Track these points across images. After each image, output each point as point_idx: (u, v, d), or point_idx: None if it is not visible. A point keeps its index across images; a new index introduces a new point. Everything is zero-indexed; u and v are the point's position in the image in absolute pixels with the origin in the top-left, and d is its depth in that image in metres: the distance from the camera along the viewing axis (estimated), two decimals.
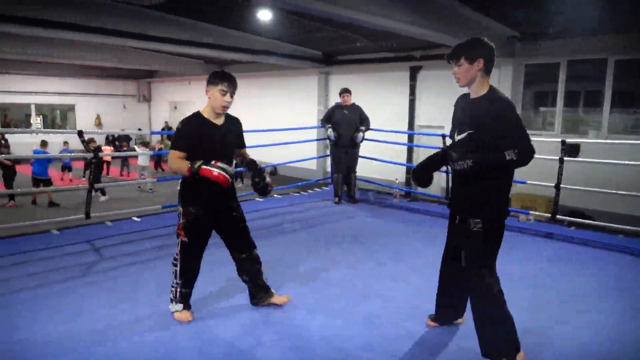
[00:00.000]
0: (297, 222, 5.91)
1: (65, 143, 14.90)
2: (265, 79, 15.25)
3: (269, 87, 15.33)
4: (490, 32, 8.96)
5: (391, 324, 3.27)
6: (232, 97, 3.23)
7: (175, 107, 21.82)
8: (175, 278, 3.17)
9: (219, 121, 3.22)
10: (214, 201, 3.10)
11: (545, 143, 6.58)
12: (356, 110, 7.09)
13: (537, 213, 6.18)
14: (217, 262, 3.71)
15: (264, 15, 8.95)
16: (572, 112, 9.77)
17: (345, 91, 7.13)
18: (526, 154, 2.54)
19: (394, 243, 5.18)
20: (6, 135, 16.86)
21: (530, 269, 4.41)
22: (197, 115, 3.19)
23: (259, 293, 3.41)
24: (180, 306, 3.21)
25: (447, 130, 8.76)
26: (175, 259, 3.17)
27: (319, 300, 3.61)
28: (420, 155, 11.93)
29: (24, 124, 20.90)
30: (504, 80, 10.12)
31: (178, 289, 3.19)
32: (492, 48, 2.76)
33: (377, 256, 4.69)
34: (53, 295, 3.52)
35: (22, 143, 17.20)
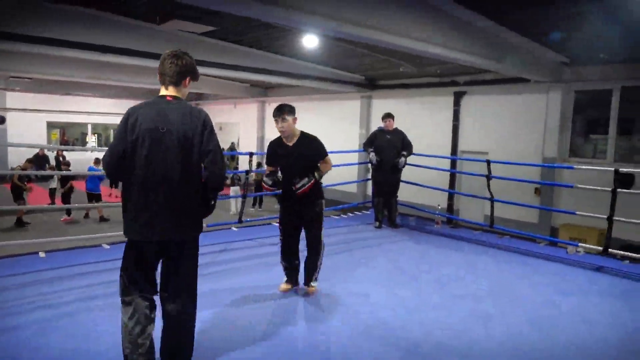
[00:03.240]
0: (337, 245, 5.91)
1: None
2: (308, 102, 15.52)
3: (312, 110, 15.58)
4: (538, 57, 8.81)
5: (433, 357, 3.20)
6: (282, 122, 3.92)
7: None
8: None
9: (290, 142, 4.00)
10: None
11: (596, 172, 6.33)
12: (399, 135, 7.09)
13: (586, 245, 5.91)
14: None
15: (310, 41, 9.18)
16: (626, 140, 9.37)
17: (388, 116, 7.16)
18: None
19: (435, 270, 5.08)
20: (64, 153, 17.87)
21: (580, 303, 4.22)
22: (276, 139, 4.11)
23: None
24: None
25: (491, 156, 8.63)
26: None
27: (359, 324, 3.59)
28: (462, 181, 11.74)
29: (80, 142, 22.12)
30: (552, 106, 9.88)
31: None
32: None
33: (417, 283, 4.61)
34: (106, 308, 3.67)
35: (78, 160, 18.17)
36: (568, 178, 9.23)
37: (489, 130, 11.33)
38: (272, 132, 17.87)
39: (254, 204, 14.31)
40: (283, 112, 3.89)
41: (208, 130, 2.59)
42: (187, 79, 2.67)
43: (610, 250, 5.35)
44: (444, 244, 6.28)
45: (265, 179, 4.06)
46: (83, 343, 3.13)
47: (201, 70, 9.34)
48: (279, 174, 4.05)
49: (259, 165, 14.50)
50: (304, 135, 4.03)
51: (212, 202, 2.78)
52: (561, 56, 9.07)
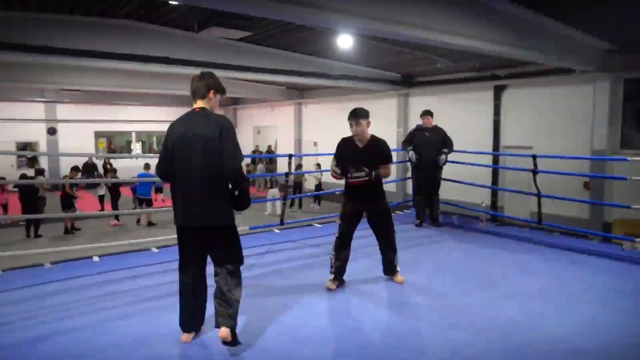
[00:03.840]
0: (377, 246, 5.85)
1: None
2: (344, 103, 15.50)
3: (348, 110, 15.53)
4: (582, 46, 8.45)
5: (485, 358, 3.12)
6: (356, 126, 4.23)
7: (259, 132, 22.82)
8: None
9: (361, 144, 4.27)
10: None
11: (637, 158, 6.00)
12: (438, 132, 6.97)
13: None
14: None
15: (345, 41, 9.17)
16: None
17: (426, 113, 7.05)
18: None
19: (482, 269, 4.96)
20: (111, 160, 18.60)
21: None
22: (348, 137, 4.36)
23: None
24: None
25: (535, 150, 8.33)
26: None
27: (405, 325, 3.55)
28: (506, 178, 11.41)
29: (125, 149, 22.97)
30: (600, 96, 9.46)
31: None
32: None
33: (464, 284, 4.51)
34: (156, 310, 3.79)
35: (123, 167, 18.89)
36: (619, 171, 8.81)
37: (533, 124, 10.97)
38: (309, 134, 18.04)
39: (291, 205, 14.43)
40: (358, 116, 4.21)
41: (225, 131, 3.02)
42: (211, 92, 3.19)
43: None
44: (489, 243, 6.11)
45: (335, 168, 4.33)
46: (139, 345, 3.24)
47: (238, 74, 9.58)
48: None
49: (298, 167, 14.62)
50: (373, 139, 4.32)
51: (237, 194, 3.14)
52: (608, 44, 8.66)
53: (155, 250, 5.49)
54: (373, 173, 4.18)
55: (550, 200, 6.55)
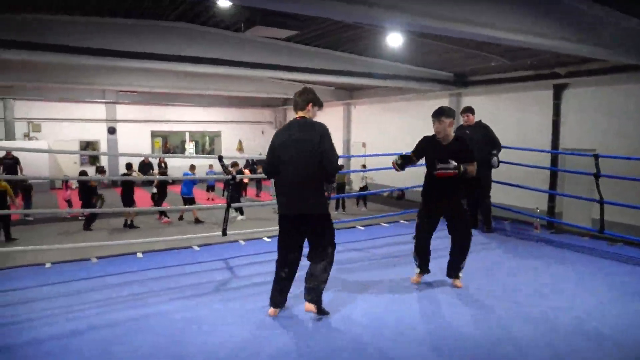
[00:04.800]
0: None
1: (210, 166, 16.51)
2: (394, 103, 15.22)
3: (399, 111, 15.24)
4: None
5: None
6: (438, 124, 4.32)
7: None
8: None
9: (445, 142, 4.32)
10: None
11: None
12: (480, 129, 6.59)
13: None
14: None
15: (394, 39, 8.93)
16: None
17: (466, 110, 6.71)
18: None
19: (535, 282, 4.61)
20: (165, 160, 19.26)
21: None
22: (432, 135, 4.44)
23: None
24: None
25: (599, 153, 7.72)
26: None
27: (447, 339, 3.33)
28: (566, 181, 10.73)
29: (180, 149, 23.75)
30: None
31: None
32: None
33: (514, 295, 4.20)
34: (190, 309, 3.79)
35: (177, 166, 19.52)
36: None
37: (596, 125, 10.22)
38: (358, 135, 17.79)
39: (337, 207, 14.29)
40: (441, 114, 4.36)
41: (323, 136, 3.56)
42: (310, 105, 3.72)
43: None
44: (544, 253, 5.69)
45: (398, 160, 4.44)
46: (172, 345, 3.23)
47: (286, 75, 9.55)
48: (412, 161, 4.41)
49: (341, 168, 14.44)
50: (456, 138, 4.42)
51: (326, 192, 3.63)
52: None
53: (196, 248, 5.54)
54: (462, 167, 4.19)
55: (613, 207, 6.03)
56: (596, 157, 5.75)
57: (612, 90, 9.95)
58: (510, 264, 5.22)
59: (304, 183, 3.53)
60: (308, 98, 3.73)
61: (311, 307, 3.61)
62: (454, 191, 4.29)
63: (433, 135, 4.39)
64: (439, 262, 4.53)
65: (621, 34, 7.06)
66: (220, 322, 3.57)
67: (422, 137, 4.46)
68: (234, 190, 9.52)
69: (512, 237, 6.44)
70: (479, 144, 6.47)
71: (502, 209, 7.29)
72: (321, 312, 3.63)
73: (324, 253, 3.61)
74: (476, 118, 6.97)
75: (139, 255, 5.16)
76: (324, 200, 3.62)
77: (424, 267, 4.52)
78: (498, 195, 7.18)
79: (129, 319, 3.60)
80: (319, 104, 3.80)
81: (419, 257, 4.47)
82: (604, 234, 5.82)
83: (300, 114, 3.70)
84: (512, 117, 11.13)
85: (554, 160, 10.56)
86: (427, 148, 4.36)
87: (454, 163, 4.18)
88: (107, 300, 3.97)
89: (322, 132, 3.57)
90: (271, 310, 3.71)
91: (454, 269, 4.45)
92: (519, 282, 4.53)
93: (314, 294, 3.60)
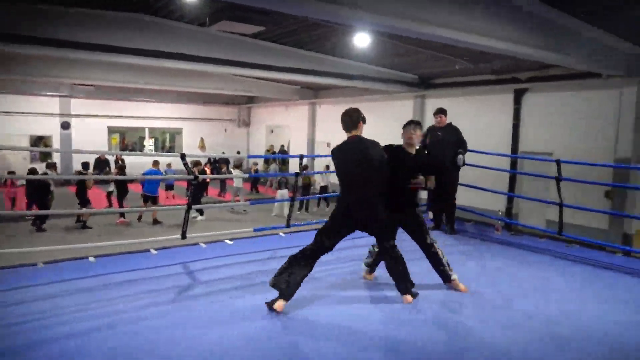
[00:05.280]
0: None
1: (169, 164, 16.00)
2: (359, 104, 15.20)
3: (363, 111, 15.24)
4: (610, 50, 8.04)
5: None
6: (415, 134, 4.43)
7: (272, 131, 22.64)
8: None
9: (412, 151, 4.46)
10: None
11: None
12: (452, 131, 6.62)
13: None
14: None
15: (361, 39, 8.89)
16: None
17: (439, 111, 6.71)
18: None
19: (498, 284, 4.63)
20: (123, 157, 18.57)
21: None
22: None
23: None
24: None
25: (556, 157, 7.94)
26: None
27: (411, 343, 3.26)
28: (523, 184, 11.02)
29: (138, 146, 22.98)
30: (627, 103, 9.03)
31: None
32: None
33: (478, 300, 4.19)
34: (151, 318, 3.56)
35: (135, 163, 18.87)
36: None
37: (554, 130, 10.56)
38: (323, 135, 17.77)
39: (300, 208, 14.17)
40: (418, 124, 4.50)
41: (382, 151, 4.00)
42: (360, 123, 4.01)
43: None
44: (507, 254, 5.76)
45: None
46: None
47: (252, 72, 9.38)
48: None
49: (305, 168, 14.32)
50: (422, 148, 4.73)
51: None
52: (638, 48, 8.24)
53: (154, 251, 5.27)
54: (428, 183, 4.36)
55: (567, 209, 6.17)
56: (558, 162, 5.89)
57: (569, 96, 10.29)
58: (474, 266, 5.23)
59: (369, 192, 3.90)
60: (358, 117, 4.01)
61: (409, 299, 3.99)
62: (410, 201, 4.44)
63: (399, 146, 4.42)
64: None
65: (582, 42, 7.28)
66: (180, 333, 3.36)
67: (387, 144, 4.37)
68: (196, 190, 9.25)
69: (475, 239, 6.49)
70: (450, 146, 6.50)
71: (465, 211, 7.36)
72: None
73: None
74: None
75: (91, 259, 4.84)
76: (380, 207, 3.97)
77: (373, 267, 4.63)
78: (461, 197, 7.23)
79: (75, 333, 3.32)
80: (365, 121, 4.07)
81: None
82: (562, 236, 5.94)
83: (354, 132, 3.98)
84: (474, 120, 11.33)
85: (514, 164, 10.83)
86: (396, 158, 4.28)
87: (422, 177, 4.31)
88: (48, 312, 3.66)
89: (380, 147, 4.01)
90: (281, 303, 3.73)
91: (442, 274, 4.39)
92: (483, 286, 4.53)
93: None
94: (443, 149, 6.49)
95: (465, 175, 6.97)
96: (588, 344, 3.34)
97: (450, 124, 6.68)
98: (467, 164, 6.71)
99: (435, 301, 4.09)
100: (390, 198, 4.12)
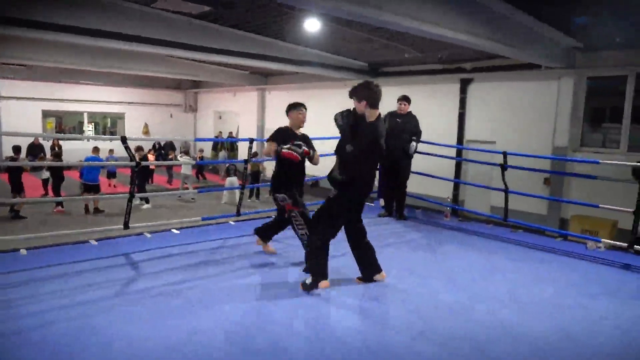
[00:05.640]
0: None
1: (111, 150, 15.22)
2: (309, 90, 15.08)
3: (313, 98, 15.14)
4: (550, 41, 8.38)
5: None
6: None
7: (220, 117, 22.05)
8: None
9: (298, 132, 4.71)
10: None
11: (608, 162, 6.00)
12: (411, 119, 6.66)
13: (609, 241, 5.52)
14: None
15: (312, 25, 8.74)
16: None
17: (403, 98, 6.72)
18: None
19: (448, 269, 4.72)
20: (60, 142, 17.47)
21: (611, 307, 3.86)
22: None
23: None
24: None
25: (499, 145, 8.22)
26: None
27: (368, 330, 3.24)
28: (468, 171, 11.37)
29: (77, 131, 21.70)
30: (564, 94, 9.47)
31: None
32: (374, 92, 3.94)
33: (429, 285, 4.25)
34: (90, 316, 3.31)
35: (73, 149, 17.79)
36: (578, 168, 8.88)
37: (497, 119, 10.93)
38: (273, 122, 17.46)
39: (250, 196, 13.94)
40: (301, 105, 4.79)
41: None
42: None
43: (636, 246, 4.99)
44: (455, 239, 5.91)
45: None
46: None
47: (197, 55, 8.96)
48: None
49: (254, 155, 14.05)
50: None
51: None
52: (574, 41, 8.63)
53: (94, 242, 4.95)
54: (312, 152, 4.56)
55: (511, 194, 6.39)
56: (505, 154, 6.08)
57: (512, 86, 10.66)
58: (424, 251, 5.32)
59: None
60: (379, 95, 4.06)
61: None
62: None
63: (287, 127, 4.75)
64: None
65: (523, 33, 7.52)
66: (124, 330, 3.15)
67: (277, 127, 4.75)
68: (139, 177, 8.83)
69: (425, 225, 6.62)
70: (406, 134, 6.54)
71: (414, 198, 7.48)
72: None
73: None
74: (387, 108, 6.99)
75: (23, 252, 4.47)
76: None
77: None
78: (410, 185, 7.33)
79: (15, 329, 3.05)
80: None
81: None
82: (508, 222, 6.16)
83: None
84: (423, 109, 11.44)
85: (460, 152, 11.13)
86: (284, 136, 4.61)
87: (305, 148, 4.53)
88: None
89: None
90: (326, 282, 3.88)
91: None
92: (433, 271, 4.61)
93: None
94: (400, 135, 6.53)
95: (415, 163, 7.06)
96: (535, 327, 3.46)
97: (410, 113, 6.72)
98: (419, 152, 6.79)
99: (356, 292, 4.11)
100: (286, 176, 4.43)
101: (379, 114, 3.92)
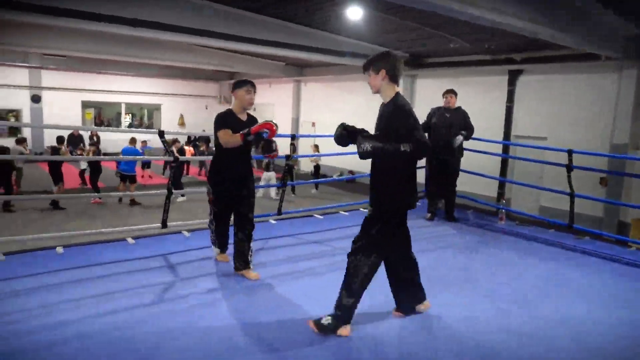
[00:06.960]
0: None
1: (144, 142, 15.24)
2: (346, 82, 14.68)
3: (350, 90, 14.73)
4: (613, 30, 7.70)
5: None
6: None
7: (255, 109, 21.89)
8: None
9: (243, 117, 4.16)
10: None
11: None
12: (460, 114, 6.22)
13: None
14: None
15: (354, 13, 8.34)
16: None
17: (449, 92, 6.27)
18: (419, 147, 2.85)
19: (514, 282, 4.27)
20: (98, 133, 17.70)
21: None
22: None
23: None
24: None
25: (549, 142, 7.60)
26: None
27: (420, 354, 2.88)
28: (515, 169, 10.76)
29: (115, 122, 22.00)
30: (625, 87, 8.72)
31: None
32: (395, 60, 3.15)
33: (495, 300, 3.83)
34: (127, 327, 3.08)
35: (110, 140, 18.03)
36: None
37: (549, 113, 10.27)
38: (308, 114, 17.18)
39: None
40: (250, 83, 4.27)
41: None
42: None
43: None
44: (516, 246, 5.38)
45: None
46: None
47: (234, 46, 8.72)
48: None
49: (295, 151, 13.84)
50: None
51: None
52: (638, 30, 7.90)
53: (131, 241, 4.75)
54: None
55: (559, 195, 5.82)
56: (570, 152, 5.54)
57: (566, 78, 9.97)
58: (484, 259, 4.87)
59: None
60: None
61: None
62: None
63: (229, 110, 4.20)
64: None
65: (582, 20, 6.91)
66: (164, 343, 2.90)
67: (218, 112, 4.25)
68: (176, 171, 8.68)
69: (478, 229, 6.12)
70: (456, 130, 6.11)
71: (462, 197, 7.01)
72: None
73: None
74: (429, 102, 6.56)
75: (59, 250, 4.30)
76: None
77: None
78: (460, 183, 6.87)
79: (43, 327, 2.84)
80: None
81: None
82: (574, 228, 5.62)
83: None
84: (468, 102, 10.90)
85: (506, 148, 10.53)
86: (228, 123, 4.07)
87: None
88: (15, 311, 3.17)
89: None
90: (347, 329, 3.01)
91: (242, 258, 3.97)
92: (498, 284, 4.17)
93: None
94: (449, 132, 6.09)
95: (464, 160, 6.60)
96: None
97: (459, 107, 6.27)
98: (466, 149, 6.34)
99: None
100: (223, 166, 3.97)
101: (398, 92, 3.11)
